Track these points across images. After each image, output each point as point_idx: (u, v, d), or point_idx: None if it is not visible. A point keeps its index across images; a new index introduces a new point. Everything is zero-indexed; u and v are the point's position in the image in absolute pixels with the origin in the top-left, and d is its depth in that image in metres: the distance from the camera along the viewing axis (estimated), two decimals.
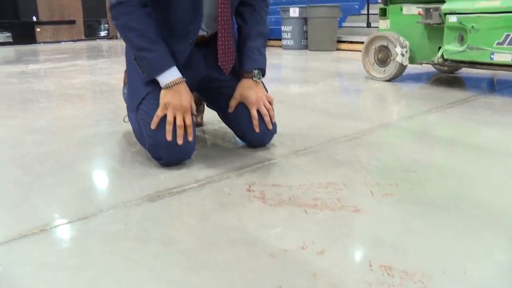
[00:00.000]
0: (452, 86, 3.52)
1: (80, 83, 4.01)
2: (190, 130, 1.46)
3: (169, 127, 1.44)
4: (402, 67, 3.61)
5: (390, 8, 3.80)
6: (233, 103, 1.65)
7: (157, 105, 1.46)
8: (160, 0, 1.52)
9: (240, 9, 1.70)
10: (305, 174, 1.46)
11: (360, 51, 3.96)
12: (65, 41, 17.35)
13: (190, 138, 1.46)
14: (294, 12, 7.76)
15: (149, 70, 1.48)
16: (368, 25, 7.96)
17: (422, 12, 3.46)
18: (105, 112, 2.53)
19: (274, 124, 1.71)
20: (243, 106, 1.66)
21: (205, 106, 2.08)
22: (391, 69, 3.63)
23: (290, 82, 3.78)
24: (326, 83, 3.50)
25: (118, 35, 18.58)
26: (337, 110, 2.49)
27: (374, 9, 7.84)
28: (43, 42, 16.76)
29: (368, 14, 8.18)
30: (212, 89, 1.74)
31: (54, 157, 1.71)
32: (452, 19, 3.23)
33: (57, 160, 1.67)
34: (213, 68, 1.69)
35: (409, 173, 1.48)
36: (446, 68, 4.14)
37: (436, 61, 3.39)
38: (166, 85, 1.47)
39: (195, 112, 1.52)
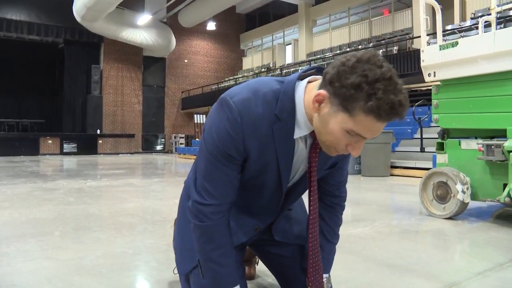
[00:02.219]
0: None
1: (133, 208, 4.06)
2: None
3: None
4: (464, 205, 3.42)
5: (448, 142, 3.72)
6: None
7: None
8: (245, 192, 1.41)
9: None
10: None
11: (414, 176, 3.84)
12: (123, 153, 18.32)
13: None
14: None
15: (212, 281, 1.36)
16: (422, 149, 7.88)
17: (482, 149, 3.34)
18: (155, 252, 2.47)
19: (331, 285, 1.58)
20: (294, 273, 1.55)
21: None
22: (451, 207, 3.44)
23: (346, 220, 3.63)
24: (383, 222, 3.33)
25: (173, 149, 19.48)
26: (398, 261, 2.30)
27: (427, 133, 7.85)
28: (103, 153, 17.78)
29: (421, 139, 8.16)
30: (265, 247, 1.64)
31: None
32: None
33: None
34: (265, 234, 1.58)
35: None
36: None
37: (502, 200, 3.19)
38: None
39: None
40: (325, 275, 1.53)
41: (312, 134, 1.27)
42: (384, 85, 1.07)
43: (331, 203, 1.55)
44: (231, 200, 1.33)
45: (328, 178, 1.50)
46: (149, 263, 2.28)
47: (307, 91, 1.25)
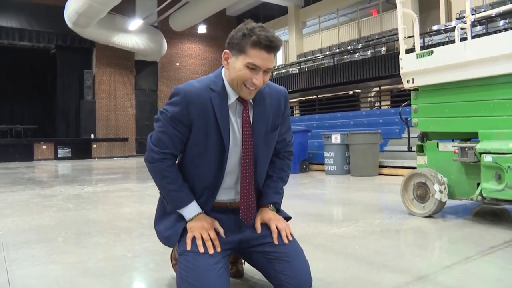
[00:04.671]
0: (495, 222, 3.49)
1: (130, 213, 4.26)
2: (216, 243, 1.76)
3: (199, 242, 1.74)
4: (441, 204, 3.64)
5: (427, 144, 3.94)
6: (257, 224, 1.89)
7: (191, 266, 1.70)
8: (188, 155, 1.84)
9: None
10: None
11: (402, 175, 4.05)
12: (117, 157, 18.46)
13: (218, 249, 1.74)
14: (336, 138, 8.08)
15: (174, 204, 1.84)
16: (409, 149, 8.12)
17: (457, 151, 3.57)
18: (153, 254, 2.67)
19: (309, 277, 1.80)
20: (281, 265, 1.76)
21: None
22: (430, 206, 3.66)
23: (331, 220, 3.89)
24: (366, 222, 3.55)
25: None
26: (376, 257, 2.52)
27: (414, 132, 8.10)
28: (98, 158, 17.90)
29: (408, 138, 8.41)
30: (248, 248, 1.89)
31: None
32: (488, 158, 3.31)
33: None
34: (247, 230, 1.88)
35: None
36: None
37: (475, 199, 3.42)
38: (189, 219, 1.82)
39: (221, 233, 1.81)
40: (276, 203, 1.98)
41: (239, 99, 1.80)
42: (258, 29, 1.67)
43: (283, 156, 2.06)
44: (172, 151, 1.81)
45: (282, 142, 2.02)
46: (147, 264, 2.49)
47: (225, 70, 1.83)
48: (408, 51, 4.06)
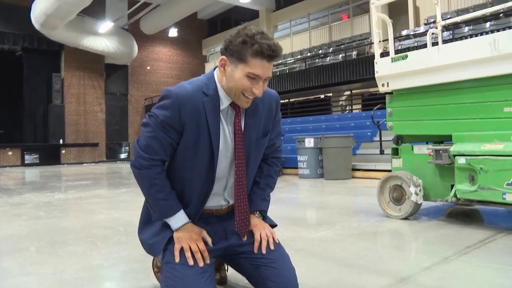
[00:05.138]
0: (468, 223, 3.57)
1: (105, 220, 4.16)
2: (205, 254, 1.72)
3: (188, 254, 1.69)
4: (417, 206, 3.70)
5: (402, 147, 4.01)
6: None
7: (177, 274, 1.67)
8: (179, 159, 1.76)
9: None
10: None
11: (375, 178, 4.10)
12: (87, 163, 18.09)
13: (208, 261, 1.71)
14: (309, 142, 8.13)
15: (162, 213, 1.76)
16: (381, 152, 8.24)
17: (432, 153, 3.64)
18: (131, 261, 2.61)
19: (296, 283, 1.80)
20: (268, 272, 1.75)
21: None
22: (406, 208, 3.72)
23: (309, 224, 3.91)
24: (343, 225, 3.57)
25: None
26: (356, 260, 2.54)
27: (386, 135, 8.23)
28: (67, 164, 17.49)
29: (380, 141, 8.53)
30: (235, 255, 1.87)
31: None
32: (461, 160, 3.39)
33: None
34: (234, 236, 1.85)
35: None
36: None
37: (449, 200, 3.49)
38: (176, 228, 1.76)
39: (209, 243, 1.77)
40: (262, 210, 1.95)
41: (232, 104, 1.75)
42: (259, 36, 1.60)
43: (271, 162, 2.02)
44: (162, 157, 1.74)
45: (271, 147, 1.98)
46: (127, 273, 2.42)
47: (218, 74, 1.76)
48: (380, 55, 4.12)
